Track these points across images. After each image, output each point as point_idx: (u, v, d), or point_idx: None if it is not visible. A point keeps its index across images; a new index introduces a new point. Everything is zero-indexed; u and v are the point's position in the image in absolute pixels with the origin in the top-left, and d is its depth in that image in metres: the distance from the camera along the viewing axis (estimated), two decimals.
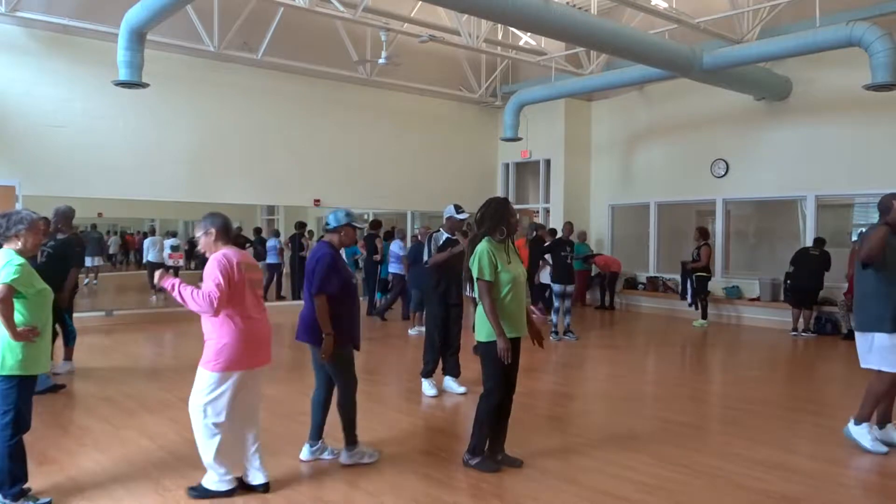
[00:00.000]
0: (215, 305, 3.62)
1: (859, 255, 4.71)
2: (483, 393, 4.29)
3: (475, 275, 4.19)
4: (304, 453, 4.44)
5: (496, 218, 4.26)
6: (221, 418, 3.76)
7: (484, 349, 4.23)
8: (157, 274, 3.76)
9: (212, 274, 3.67)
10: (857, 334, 4.79)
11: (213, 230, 3.83)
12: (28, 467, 3.66)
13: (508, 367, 4.21)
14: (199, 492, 3.82)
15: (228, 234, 3.88)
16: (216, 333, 3.75)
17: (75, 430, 5.18)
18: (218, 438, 3.77)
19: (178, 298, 3.68)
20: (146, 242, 12.98)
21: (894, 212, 4.60)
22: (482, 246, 4.21)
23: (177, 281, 3.69)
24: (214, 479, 3.81)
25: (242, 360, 3.78)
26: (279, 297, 13.02)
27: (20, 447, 3.57)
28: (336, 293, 4.21)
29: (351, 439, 4.40)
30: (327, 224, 4.47)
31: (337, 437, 4.47)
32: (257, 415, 4.02)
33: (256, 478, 3.90)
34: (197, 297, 3.63)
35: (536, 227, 11.41)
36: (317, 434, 4.46)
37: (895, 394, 4.75)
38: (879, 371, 4.66)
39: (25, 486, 3.65)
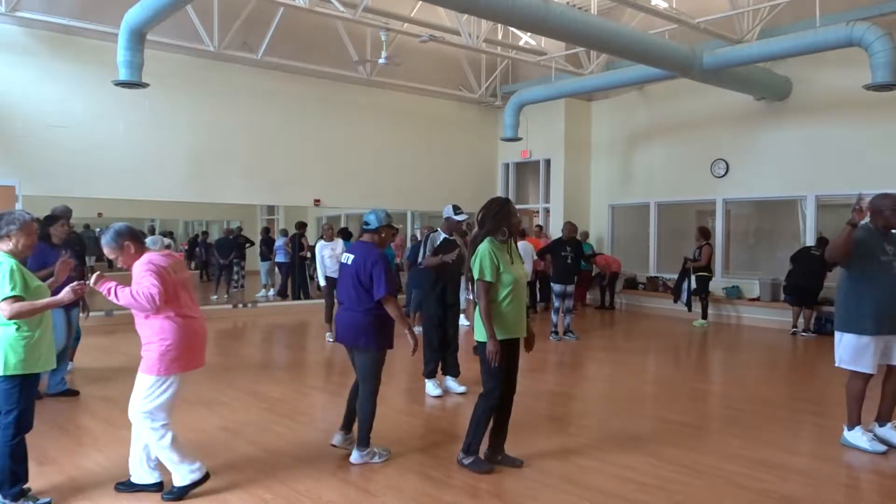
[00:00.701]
0: (157, 301, 3.53)
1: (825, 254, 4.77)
2: (483, 392, 4.29)
3: (476, 275, 4.17)
4: (336, 439, 4.64)
5: (498, 218, 4.25)
6: (167, 419, 3.74)
7: (483, 349, 4.23)
8: (94, 277, 3.57)
9: (144, 275, 3.58)
10: (835, 333, 4.86)
11: (128, 244, 3.70)
12: (28, 467, 3.66)
13: (508, 367, 4.21)
14: (176, 494, 3.77)
15: (141, 240, 3.78)
16: (157, 336, 3.66)
17: (75, 430, 5.18)
18: (169, 436, 3.74)
19: (116, 300, 3.55)
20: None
21: (883, 213, 4.63)
22: (484, 246, 4.20)
23: (113, 283, 3.55)
24: (185, 474, 3.78)
25: (186, 359, 3.73)
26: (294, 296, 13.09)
27: (22, 447, 3.57)
28: (395, 293, 4.35)
29: (364, 440, 4.43)
30: (367, 224, 4.47)
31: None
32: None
33: (147, 478, 3.87)
34: (137, 295, 3.52)
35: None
36: (349, 424, 4.67)
37: (892, 392, 4.76)
38: (853, 371, 4.71)
39: (25, 486, 3.65)
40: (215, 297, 12.75)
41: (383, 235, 4.46)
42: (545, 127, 14.00)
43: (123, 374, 6.28)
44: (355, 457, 4.40)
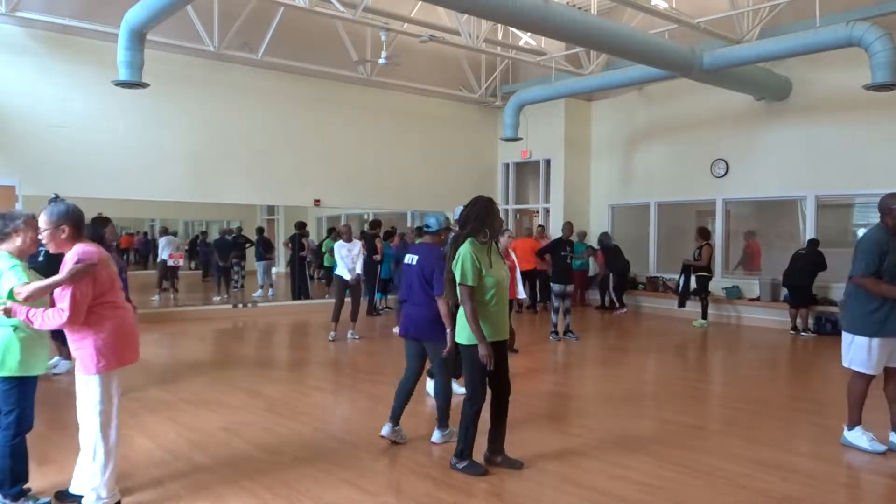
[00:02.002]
0: (65, 320, 3.31)
1: (853, 274, 4.70)
2: (467, 397, 4.25)
3: (458, 279, 4.09)
4: (385, 430, 4.77)
5: (481, 219, 4.20)
6: (114, 428, 3.55)
7: (465, 353, 4.19)
8: (5, 308, 3.34)
9: (69, 278, 3.32)
10: (843, 333, 4.84)
11: (66, 227, 3.44)
12: (28, 467, 3.66)
13: (497, 368, 4.18)
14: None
15: (82, 229, 3.54)
16: (90, 331, 3.44)
17: (75, 430, 5.15)
18: (113, 454, 3.54)
19: (32, 324, 3.40)
20: (161, 241, 12.93)
21: (893, 213, 4.60)
22: (466, 249, 4.13)
23: (26, 310, 3.35)
24: (102, 498, 3.53)
25: (122, 354, 3.56)
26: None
27: (22, 447, 3.57)
28: None
29: (444, 422, 4.83)
30: (428, 227, 4.93)
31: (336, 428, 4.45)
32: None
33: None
34: (48, 317, 3.34)
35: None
36: (397, 418, 4.80)
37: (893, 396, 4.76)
38: (856, 372, 4.71)
39: (26, 486, 3.65)
40: (218, 297, 12.75)
41: (442, 237, 4.87)
42: (545, 127, 14.00)
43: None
44: (436, 437, 4.82)
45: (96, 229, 5.88)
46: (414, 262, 4.80)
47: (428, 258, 4.72)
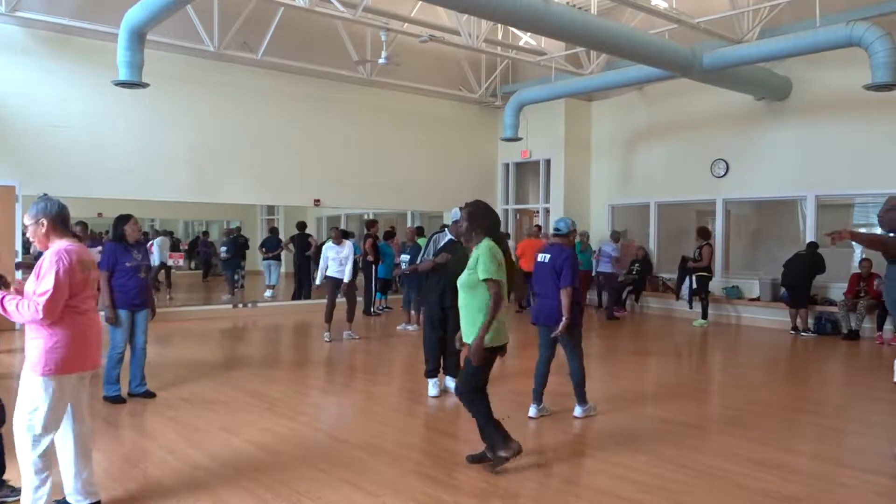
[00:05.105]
0: (40, 315, 3.19)
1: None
2: (472, 398, 4.24)
3: (487, 275, 4.04)
4: (532, 412, 5.41)
5: (491, 220, 4.25)
6: (47, 430, 3.31)
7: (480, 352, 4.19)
8: None
9: (45, 276, 3.22)
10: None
11: (44, 221, 3.35)
12: (5, 461, 3.70)
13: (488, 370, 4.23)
14: None
15: (66, 224, 3.44)
16: (46, 332, 3.27)
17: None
18: (45, 472, 3.31)
19: (4, 313, 3.31)
20: (155, 242, 12.91)
21: None
22: (487, 245, 4.13)
23: (2, 294, 3.31)
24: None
25: (72, 362, 3.33)
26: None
27: None
28: (578, 286, 5.34)
29: (582, 398, 5.49)
30: (558, 230, 5.60)
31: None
32: (87, 429, 3.58)
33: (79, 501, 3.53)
34: (22, 308, 3.22)
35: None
36: (540, 397, 5.47)
37: None
38: None
39: (4, 476, 3.70)
40: (228, 297, 12.77)
41: (571, 238, 5.58)
42: (545, 127, 14.00)
43: (123, 373, 6.27)
44: (578, 411, 5.46)
45: (116, 227, 5.92)
46: (547, 260, 5.39)
47: (559, 256, 5.31)
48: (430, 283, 6.42)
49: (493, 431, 4.22)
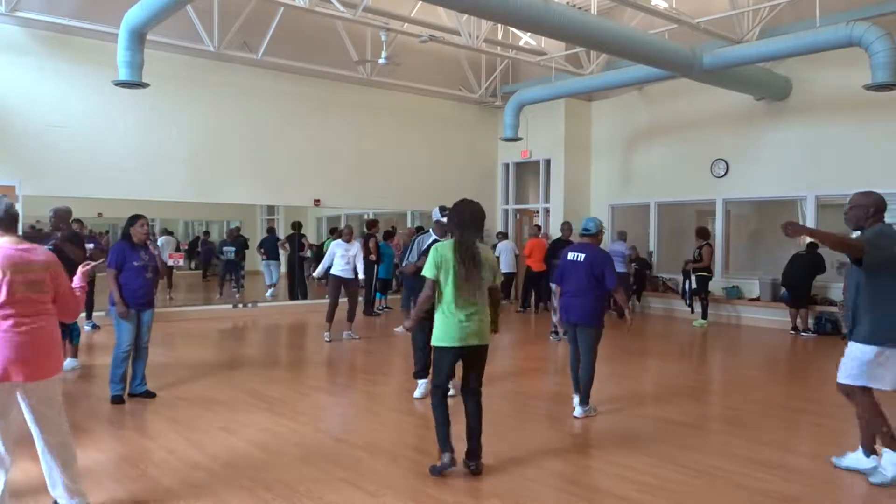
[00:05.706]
0: None
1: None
2: (478, 391, 4.29)
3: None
4: (578, 412, 5.50)
5: (459, 216, 4.22)
6: None
7: (435, 353, 4.26)
8: None
9: None
10: None
11: None
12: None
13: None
14: None
15: (13, 222, 3.30)
16: None
17: (75, 430, 5.15)
18: None
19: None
20: (160, 241, 12.89)
21: None
22: (438, 244, 4.20)
23: None
24: None
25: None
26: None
27: None
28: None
29: (585, 399, 5.51)
30: (587, 230, 5.68)
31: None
32: (60, 440, 3.43)
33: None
34: None
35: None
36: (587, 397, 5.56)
37: None
38: None
39: None
40: (237, 295, 12.78)
41: (599, 237, 5.70)
42: (545, 127, 14.00)
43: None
44: (579, 412, 5.46)
45: (124, 228, 5.94)
46: (581, 259, 5.50)
47: (597, 257, 5.46)
48: (415, 284, 6.33)
49: (441, 434, 4.18)
